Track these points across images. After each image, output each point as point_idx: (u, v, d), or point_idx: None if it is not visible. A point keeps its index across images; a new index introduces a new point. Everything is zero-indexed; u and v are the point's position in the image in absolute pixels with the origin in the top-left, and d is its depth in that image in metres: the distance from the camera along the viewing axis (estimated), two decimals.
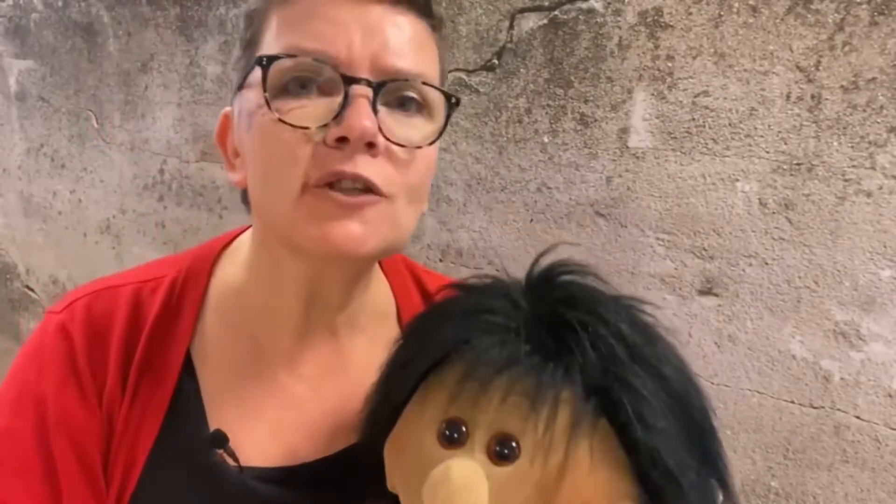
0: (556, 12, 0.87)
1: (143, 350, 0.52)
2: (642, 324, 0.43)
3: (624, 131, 0.84)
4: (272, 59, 0.46)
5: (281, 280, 0.53)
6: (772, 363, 0.78)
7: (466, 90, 0.95)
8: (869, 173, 0.70)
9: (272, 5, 0.49)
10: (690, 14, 0.78)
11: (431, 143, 0.49)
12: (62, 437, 0.50)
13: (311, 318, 0.55)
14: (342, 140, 0.45)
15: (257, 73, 0.47)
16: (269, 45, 0.48)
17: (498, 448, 0.39)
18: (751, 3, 0.74)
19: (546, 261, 0.46)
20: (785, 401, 0.78)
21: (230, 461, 0.51)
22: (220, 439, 0.51)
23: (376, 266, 0.61)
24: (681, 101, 0.80)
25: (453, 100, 0.50)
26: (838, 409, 0.75)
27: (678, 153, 0.81)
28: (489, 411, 0.39)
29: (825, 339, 0.75)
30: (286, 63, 0.46)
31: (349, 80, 0.45)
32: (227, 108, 0.54)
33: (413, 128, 0.48)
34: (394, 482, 0.46)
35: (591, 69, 0.85)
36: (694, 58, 0.78)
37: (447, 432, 0.41)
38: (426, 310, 0.49)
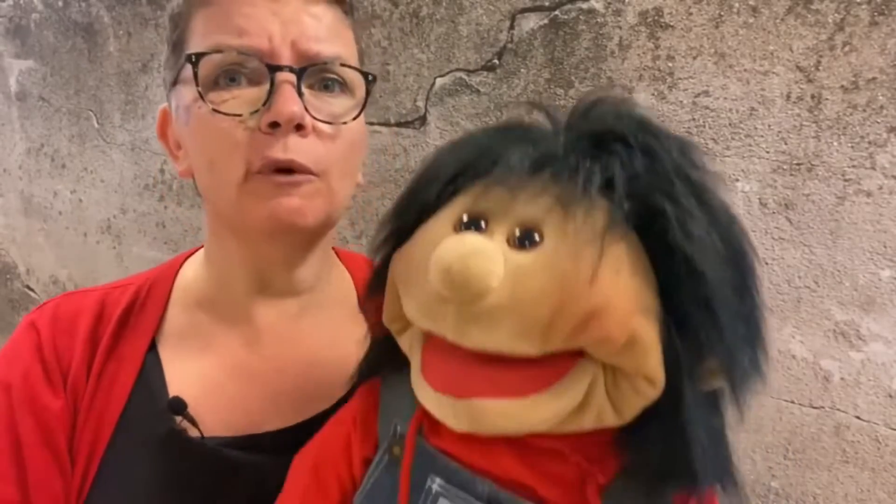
0: (557, 12, 0.87)
1: (108, 339, 0.56)
2: (698, 160, 0.38)
3: None
4: (200, 55, 0.50)
5: (231, 266, 0.58)
6: (772, 363, 0.78)
7: (467, 90, 0.96)
8: (869, 173, 0.70)
9: (193, 7, 0.52)
10: (691, 14, 0.78)
11: (355, 118, 0.54)
12: (27, 418, 0.52)
13: (267, 301, 0.59)
14: (274, 125, 0.49)
15: (188, 69, 0.51)
16: (196, 43, 0.52)
17: (519, 235, 0.35)
18: (751, 3, 0.74)
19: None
20: (785, 401, 0.78)
21: (192, 429, 0.53)
22: (179, 405, 0.53)
23: (335, 260, 0.66)
24: (681, 101, 0.80)
25: (370, 77, 0.55)
26: (838, 409, 0.75)
27: None
28: (515, 206, 0.36)
29: (825, 339, 0.75)
30: (214, 58, 0.50)
31: (273, 69, 0.49)
32: (164, 105, 0.59)
33: (338, 106, 0.53)
34: (394, 309, 0.41)
35: (591, 69, 0.85)
36: (694, 58, 0.78)
37: (465, 223, 0.37)
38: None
